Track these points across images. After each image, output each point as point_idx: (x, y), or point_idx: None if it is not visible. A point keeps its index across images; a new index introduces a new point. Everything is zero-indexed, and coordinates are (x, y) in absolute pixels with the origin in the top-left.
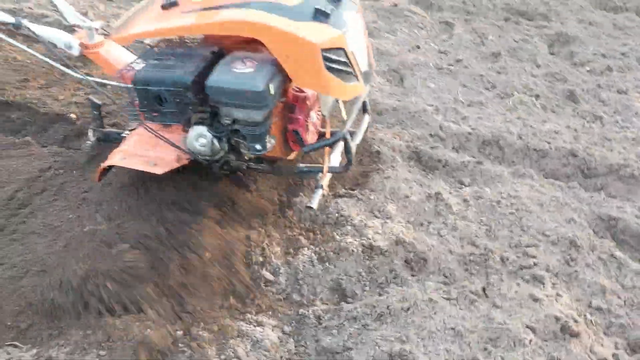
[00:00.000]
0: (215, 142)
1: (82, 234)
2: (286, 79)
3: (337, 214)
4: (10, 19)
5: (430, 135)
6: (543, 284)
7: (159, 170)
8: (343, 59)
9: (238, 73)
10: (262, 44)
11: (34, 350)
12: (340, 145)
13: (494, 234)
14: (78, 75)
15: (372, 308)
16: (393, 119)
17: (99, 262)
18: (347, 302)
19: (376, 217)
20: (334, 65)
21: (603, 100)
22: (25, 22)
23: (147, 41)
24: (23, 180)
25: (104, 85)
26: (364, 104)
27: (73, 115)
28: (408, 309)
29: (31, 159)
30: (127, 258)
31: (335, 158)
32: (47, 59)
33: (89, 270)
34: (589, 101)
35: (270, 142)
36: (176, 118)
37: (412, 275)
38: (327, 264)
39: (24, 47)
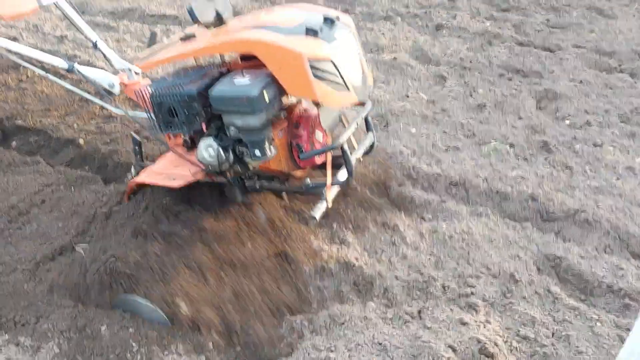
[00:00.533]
0: (222, 151)
1: None
2: (282, 91)
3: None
4: (64, 64)
5: (403, 174)
6: (476, 311)
7: (176, 184)
8: (331, 70)
9: (237, 83)
10: (262, 63)
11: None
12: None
13: (441, 264)
14: (119, 111)
15: (310, 321)
16: (369, 158)
17: None
18: (292, 315)
19: (334, 243)
20: (321, 75)
21: (576, 151)
22: (76, 66)
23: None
24: (26, 192)
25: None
26: (367, 121)
27: (81, 141)
28: (343, 323)
29: (37, 175)
30: None
31: (342, 174)
32: (91, 97)
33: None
34: (562, 152)
35: (271, 150)
36: (186, 128)
37: (357, 297)
38: None
39: (68, 85)
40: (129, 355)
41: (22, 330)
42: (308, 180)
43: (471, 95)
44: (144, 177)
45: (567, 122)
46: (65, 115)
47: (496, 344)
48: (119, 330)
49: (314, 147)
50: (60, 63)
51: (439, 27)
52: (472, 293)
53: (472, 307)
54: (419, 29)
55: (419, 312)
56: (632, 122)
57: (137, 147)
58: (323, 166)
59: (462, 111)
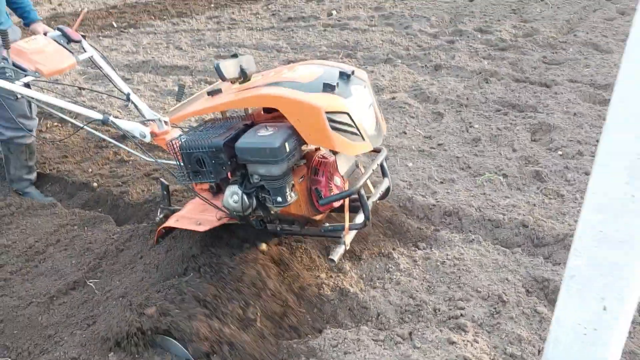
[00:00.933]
0: (246, 198)
1: None
2: (302, 141)
3: None
4: (99, 116)
5: (399, 206)
6: (465, 331)
7: (202, 229)
8: (347, 121)
9: (260, 135)
10: (283, 116)
11: None
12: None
13: (433, 289)
14: (150, 159)
15: (306, 344)
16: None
17: None
18: (291, 339)
19: (333, 271)
20: (338, 126)
21: (568, 180)
22: (111, 118)
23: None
24: (43, 233)
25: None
26: (383, 167)
27: (95, 184)
28: (337, 345)
29: (54, 217)
30: None
31: (359, 218)
32: (121, 144)
33: None
34: (555, 181)
35: (291, 196)
36: (214, 177)
37: (352, 321)
38: None
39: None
40: None
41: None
42: (327, 224)
43: (467, 130)
44: (173, 222)
45: (560, 152)
46: (81, 162)
47: (474, 357)
48: None
49: (332, 192)
50: (96, 115)
51: (437, 68)
52: (461, 315)
53: (461, 328)
54: (418, 70)
55: (410, 333)
56: None
57: (165, 192)
58: (341, 209)
59: (457, 145)
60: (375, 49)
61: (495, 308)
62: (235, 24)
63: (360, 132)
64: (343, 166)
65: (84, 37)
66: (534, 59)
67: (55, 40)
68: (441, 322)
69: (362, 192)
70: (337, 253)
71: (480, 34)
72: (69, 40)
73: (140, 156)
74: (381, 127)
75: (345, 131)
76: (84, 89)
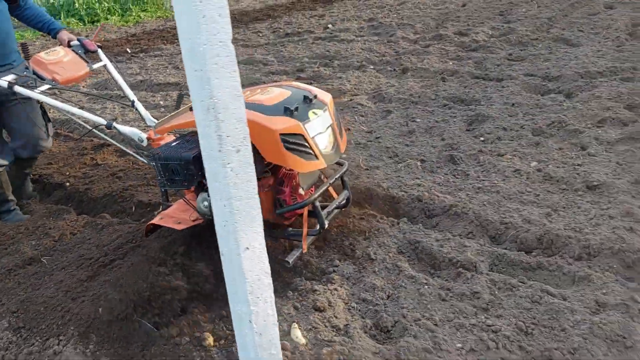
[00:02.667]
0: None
1: None
2: (262, 158)
3: None
4: (103, 121)
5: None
6: (332, 283)
7: (179, 227)
8: (301, 142)
9: None
10: None
11: None
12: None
13: (321, 253)
14: (145, 161)
15: None
16: None
17: None
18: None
19: None
20: (291, 146)
21: (479, 162)
22: (114, 124)
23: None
24: (15, 224)
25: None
26: (343, 180)
27: (67, 184)
28: None
29: (32, 213)
30: None
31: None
32: (122, 146)
33: None
34: (467, 163)
35: None
36: (186, 185)
37: None
38: None
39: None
40: None
41: None
42: (290, 229)
43: (407, 124)
44: (157, 219)
45: (482, 138)
46: (62, 167)
47: (330, 303)
48: None
49: (297, 201)
50: (101, 121)
51: (405, 71)
52: (334, 271)
53: (329, 281)
54: (386, 74)
55: (288, 284)
56: (543, 134)
57: (163, 189)
58: (311, 214)
59: (392, 137)
60: (352, 57)
61: (363, 265)
62: (236, 42)
63: (313, 152)
64: (304, 179)
65: (100, 47)
66: (499, 57)
67: (73, 50)
68: (315, 277)
69: (317, 203)
70: (293, 256)
71: (458, 37)
72: (86, 50)
73: (137, 157)
74: (339, 145)
75: (298, 150)
76: (89, 94)
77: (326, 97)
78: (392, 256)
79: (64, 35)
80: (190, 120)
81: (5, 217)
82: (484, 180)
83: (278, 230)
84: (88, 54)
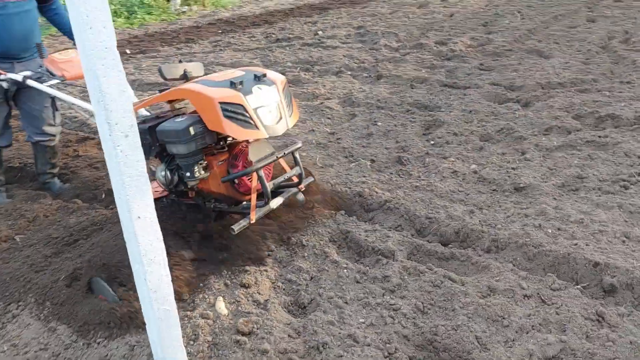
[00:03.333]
0: (168, 173)
1: None
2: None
3: None
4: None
5: None
6: (264, 265)
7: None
8: (240, 111)
9: (174, 122)
10: None
11: None
12: (286, 192)
13: (262, 239)
14: None
15: None
16: None
17: None
18: None
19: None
20: (231, 115)
21: (425, 163)
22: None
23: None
24: None
25: None
26: (294, 156)
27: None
28: None
29: (13, 197)
30: None
31: (275, 202)
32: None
33: None
34: (413, 164)
35: (200, 173)
36: (145, 155)
37: None
38: None
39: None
40: None
41: None
42: (244, 203)
43: (368, 128)
44: None
45: (432, 142)
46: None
47: (256, 281)
48: None
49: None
50: (91, 108)
51: (379, 77)
52: (268, 255)
53: (262, 264)
54: (361, 80)
55: (225, 266)
56: (490, 140)
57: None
58: (276, 193)
59: (351, 139)
60: (333, 63)
61: (295, 251)
62: (229, 46)
63: (253, 122)
64: (254, 154)
65: None
66: (471, 67)
67: None
68: (251, 260)
69: (261, 173)
70: (240, 225)
71: (437, 46)
72: None
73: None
74: (286, 120)
75: (237, 119)
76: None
77: (277, 77)
78: (323, 244)
79: None
80: (150, 99)
81: (47, 180)
82: (423, 180)
83: (237, 206)
84: None
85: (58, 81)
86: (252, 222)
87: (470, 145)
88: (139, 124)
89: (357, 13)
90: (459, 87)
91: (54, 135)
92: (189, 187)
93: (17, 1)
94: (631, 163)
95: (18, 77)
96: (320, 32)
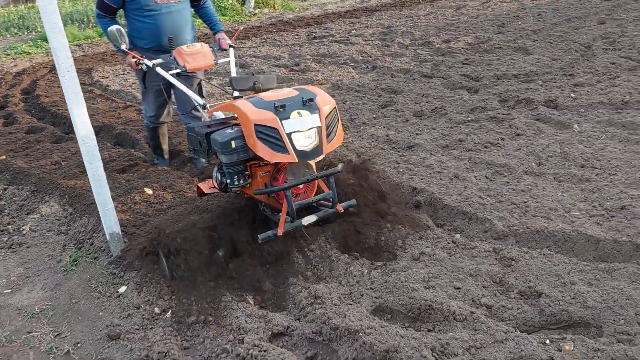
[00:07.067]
0: (219, 175)
1: None
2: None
3: None
4: (201, 101)
5: None
6: None
7: (207, 192)
8: (274, 135)
9: (222, 132)
10: None
11: None
12: (323, 211)
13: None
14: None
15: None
16: None
17: None
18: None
19: None
20: (264, 137)
21: (358, 130)
22: (207, 105)
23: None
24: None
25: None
26: (329, 180)
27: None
28: None
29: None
30: None
31: (307, 219)
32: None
33: None
34: (351, 130)
35: (239, 182)
36: (202, 156)
37: None
38: None
39: None
40: None
41: None
42: (278, 215)
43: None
44: (201, 183)
45: (374, 116)
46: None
47: None
48: None
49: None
50: (200, 100)
51: (373, 68)
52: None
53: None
54: (359, 71)
55: None
56: (421, 116)
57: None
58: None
59: None
60: (343, 56)
61: None
62: (272, 42)
63: (285, 145)
64: (291, 172)
65: (231, 47)
66: (455, 61)
67: (210, 47)
68: None
69: (288, 193)
70: (266, 234)
71: (440, 44)
72: (220, 48)
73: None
74: (321, 147)
75: (269, 142)
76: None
77: (324, 102)
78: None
79: (218, 34)
80: (217, 107)
81: (157, 160)
82: (347, 139)
83: (277, 214)
84: (220, 51)
85: (180, 70)
86: (279, 234)
87: (401, 119)
88: (199, 128)
89: (397, 15)
90: (435, 77)
91: (199, 118)
92: (233, 191)
93: (169, 3)
94: (507, 131)
95: (149, 63)
96: (354, 31)
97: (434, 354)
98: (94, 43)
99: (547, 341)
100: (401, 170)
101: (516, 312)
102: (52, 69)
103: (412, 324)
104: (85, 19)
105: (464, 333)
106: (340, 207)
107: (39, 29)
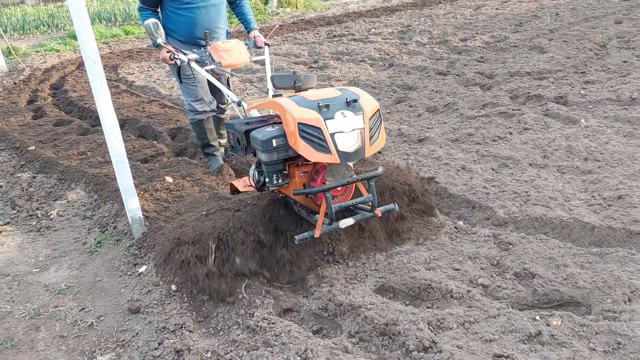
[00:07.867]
0: (257, 174)
1: None
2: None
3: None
4: (236, 98)
5: None
6: None
7: (242, 190)
8: (317, 134)
9: (263, 130)
10: None
11: None
12: (361, 215)
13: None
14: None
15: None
16: None
17: None
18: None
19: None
20: (307, 136)
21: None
22: (243, 102)
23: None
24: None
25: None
26: (369, 183)
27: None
28: None
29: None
30: None
31: (344, 221)
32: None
33: None
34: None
35: (278, 181)
36: (241, 153)
37: None
38: None
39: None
40: None
41: None
42: (315, 216)
43: None
44: (234, 181)
45: (388, 111)
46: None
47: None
48: None
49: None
50: (234, 98)
51: (390, 66)
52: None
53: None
54: (375, 68)
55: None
56: (433, 111)
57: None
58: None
59: None
60: (361, 53)
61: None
62: (293, 41)
63: (327, 145)
64: (331, 173)
65: (267, 45)
66: (471, 59)
67: (246, 44)
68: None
69: (327, 194)
70: (302, 236)
71: (457, 42)
72: (255, 45)
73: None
74: (364, 149)
75: (311, 141)
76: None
77: (368, 104)
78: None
79: (252, 33)
80: (256, 104)
81: (209, 161)
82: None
83: (313, 215)
84: (254, 49)
85: (214, 66)
86: (316, 236)
87: (414, 114)
88: (238, 124)
89: (417, 14)
90: (450, 74)
91: (224, 111)
92: (270, 190)
93: None
94: (516, 126)
95: (184, 58)
96: (373, 30)
97: (430, 327)
98: (120, 41)
99: (537, 317)
100: (410, 161)
101: (510, 292)
102: (80, 65)
103: (412, 301)
104: (112, 18)
105: (460, 309)
106: (378, 212)
107: (68, 27)
